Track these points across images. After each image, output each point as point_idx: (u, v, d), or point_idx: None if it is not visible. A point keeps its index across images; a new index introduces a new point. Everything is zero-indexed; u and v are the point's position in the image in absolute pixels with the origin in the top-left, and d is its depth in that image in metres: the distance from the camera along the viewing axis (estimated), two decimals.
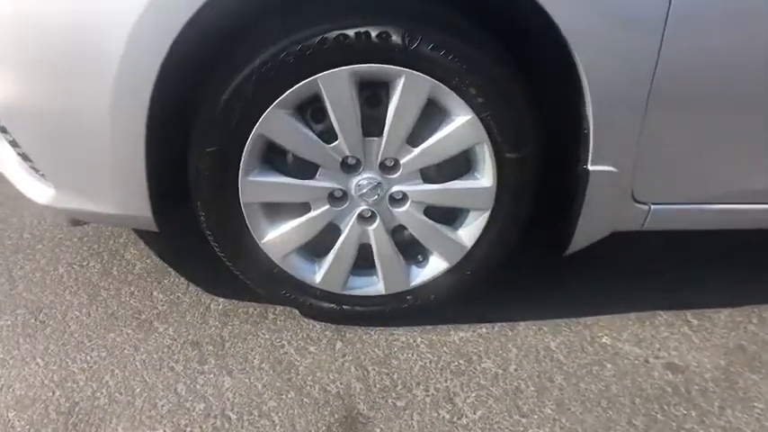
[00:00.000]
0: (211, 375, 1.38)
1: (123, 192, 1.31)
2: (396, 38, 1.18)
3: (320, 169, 1.32)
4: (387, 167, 1.34)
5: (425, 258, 1.47)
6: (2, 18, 1.22)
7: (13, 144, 1.39)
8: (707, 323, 1.59)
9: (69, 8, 1.17)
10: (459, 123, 1.27)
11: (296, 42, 1.18)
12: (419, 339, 1.50)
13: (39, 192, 1.41)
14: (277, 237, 1.39)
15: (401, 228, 1.42)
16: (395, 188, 1.35)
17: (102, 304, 1.57)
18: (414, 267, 1.48)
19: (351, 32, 1.17)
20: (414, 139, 1.30)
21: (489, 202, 1.36)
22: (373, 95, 1.27)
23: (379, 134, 1.28)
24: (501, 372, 1.42)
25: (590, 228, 1.42)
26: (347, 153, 1.30)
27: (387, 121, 1.27)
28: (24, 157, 1.39)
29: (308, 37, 1.18)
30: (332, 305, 1.49)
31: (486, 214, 1.38)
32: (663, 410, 1.34)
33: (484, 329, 1.53)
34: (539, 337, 1.52)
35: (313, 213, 1.37)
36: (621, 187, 1.36)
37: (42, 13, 1.18)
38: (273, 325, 1.53)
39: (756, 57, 1.24)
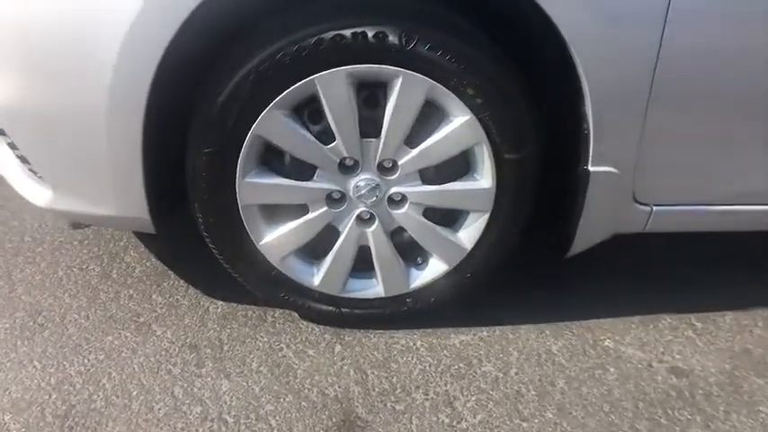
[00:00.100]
0: (209, 378, 1.37)
1: (120, 194, 1.31)
2: (393, 38, 1.17)
3: (318, 171, 1.31)
4: (385, 169, 1.33)
5: (425, 261, 1.46)
6: (1, 22, 1.22)
7: (12, 146, 1.40)
8: (711, 326, 1.57)
9: (65, 12, 1.16)
10: (458, 124, 1.26)
11: (292, 43, 1.18)
12: (419, 342, 1.48)
13: (37, 194, 1.40)
14: (275, 239, 1.38)
15: (400, 230, 1.40)
16: (393, 189, 1.34)
17: (100, 307, 1.56)
18: (413, 270, 1.46)
19: (347, 33, 1.16)
20: (412, 140, 1.29)
21: (489, 203, 1.35)
22: (371, 96, 1.27)
23: (377, 135, 1.28)
24: (501, 375, 1.40)
25: (591, 230, 1.40)
26: (345, 154, 1.29)
27: (384, 122, 1.26)
28: (23, 159, 1.39)
29: (304, 37, 1.17)
30: (331, 308, 1.48)
31: (486, 216, 1.37)
32: (667, 415, 1.32)
33: (484, 332, 1.52)
34: (540, 341, 1.50)
35: (311, 215, 1.36)
36: (622, 188, 1.34)
37: (39, 17, 1.18)
38: (272, 328, 1.52)
39: (757, 55, 1.22)
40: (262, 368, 1.40)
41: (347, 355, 1.44)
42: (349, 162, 1.31)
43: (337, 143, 1.27)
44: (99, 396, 1.32)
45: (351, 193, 1.34)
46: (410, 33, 1.17)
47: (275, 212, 1.38)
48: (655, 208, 1.39)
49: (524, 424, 1.29)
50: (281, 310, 1.56)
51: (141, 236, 1.84)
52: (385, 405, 1.32)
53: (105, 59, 1.16)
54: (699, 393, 1.38)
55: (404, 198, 1.36)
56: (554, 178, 1.40)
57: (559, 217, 1.44)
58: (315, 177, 1.32)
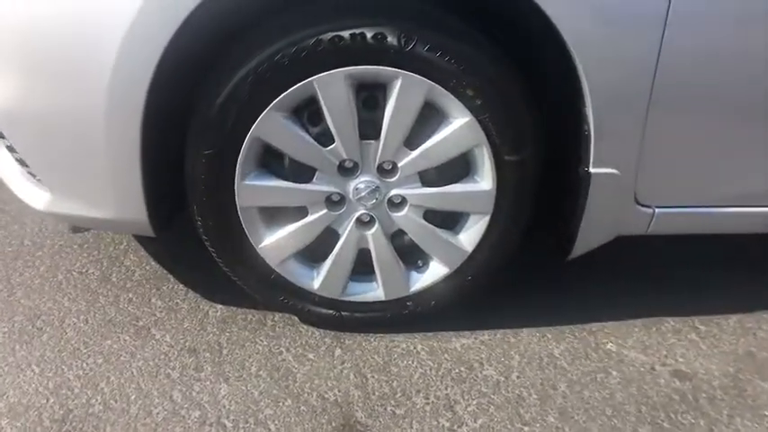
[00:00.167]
0: (208, 383, 1.36)
1: (119, 197, 1.30)
2: (391, 39, 1.17)
3: (317, 173, 1.31)
4: (385, 171, 1.32)
5: (425, 263, 1.45)
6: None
7: (11, 149, 1.39)
8: (715, 329, 1.56)
9: (63, 14, 1.16)
10: (457, 126, 1.26)
11: (291, 44, 1.17)
12: (419, 346, 1.47)
13: (36, 197, 1.40)
14: (274, 242, 1.37)
15: (400, 232, 1.40)
16: (393, 192, 1.34)
17: (100, 311, 1.56)
18: (414, 273, 1.45)
19: (346, 34, 1.16)
20: (412, 141, 1.28)
21: (489, 205, 1.34)
22: (370, 97, 1.26)
23: (377, 137, 1.27)
24: (503, 379, 1.39)
25: (593, 232, 1.39)
26: (344, 156, 1.28)
27: (384, 124, 1.25)
28: (21, 162, 1.39)
29: (302, 38, 1.17)
30: (331, 311, 1.47)
31: (487, 218, 1.36)
32: (669, 419, 1.31)
33: (486, 336, 1.51)
34: (542, 344, 1.49)
35: (310, 218, 1.35)
36: (624, 190, 1.33)
37: (37, 19, 1.18)
38: (272, 332, 1.51)
39: (758, 57, 1.21)
40: (261, 372, 1.39)
41: (347, 359, 1.43)
42: (348, 164, 1.30)
43: (336, 145, 1.26)
44: (97, 400, 1.31)
45: (350, 196, 1.33)
46: (409, 34, 1.17)
47: (274, 215, 1.37)
48: (657, 210, 1.38)
49: (526, 428, 1.27)
50: (280, 314, 1.55)
51: (141, 239, 1.83)
52: (385, 409, 1.31)
53: (103, 61, 1.15)
54: (702, 397, 1.36)
55: (404, 200, 1.35)
56: (555, 180, 1.39)
57: (560, 219, 1.43)
58: (314, 180, 1.31)
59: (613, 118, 1.23)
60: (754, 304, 1.63)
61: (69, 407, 1.29)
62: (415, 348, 1.47)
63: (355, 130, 1.25)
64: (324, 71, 1.19)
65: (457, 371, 1.41)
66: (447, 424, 1.28)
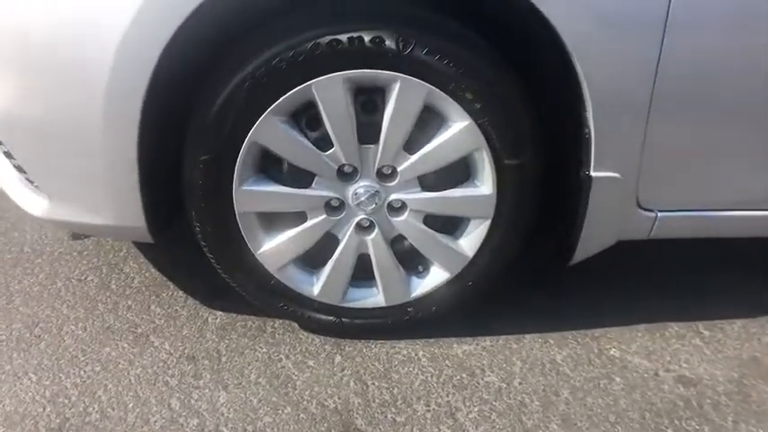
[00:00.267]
0: (206, 390, 1.34)
1: (116, 203, 1.29)
2: (389, 42, 1.16)
3: (316, 178, 1.30)
4: (384, 175, 1.31)
5: (426, 269, 1.44)
6: None
7: (8, 155, 1.39)
8: (719, 334, 1.54)
9: (60, 20, 1.16)
10: (457, 129, 1.25)
11: (289, 48, 1.16)
12: (420, 353, 1.46)
13: (34, 204, 1.39)
14: (273, 247, 1.36)
15: (400, 237, 1.38)
16: (393, 196, 1.32)
17: (98, 318, 1.55)
18: (414, 278, 1.44)
19: (343, 37, 1.15)
20: (411, 146, 1.27)
21: (490, 209, 1.33)
22: (369, 102, 1.25)
23: (376, 141, 1.26)
24: (505, 386, 1.38)
25: (594, 236, 1.37)
26: (343, 161, 1.27)
27: (383, 128, 1.24)
28: (19, 168, 1.38)
29: (300, 42, 1.16)
30: (331, 318, 1.46)
31: (488, 222, 1.35)
32: (674, 425, 1.29)
33: (487, 342, 1.49)
34: (544, 350, 1.47)
35: (310, 223, 1.34)
36: (626, 194, 1.32)
37: (33, 26, 1.17)
38: (272, 339, 1.49)
39: (758, 60, 1.20)
40: (260, 379, 1.38)
41: (347, 366, 1.42)
42: (348, 169, 1.30)
43: (335, 149, 1.26)
44: (94, 408, 1.29)
45: (350, 201, 1.32)
46: (407, 38, 1.16)
47: (273, 221, 1.36)
48: (659, 214, 1.37)
49: None
50: (280, 321, 1.54)
51: (141, 246, 1.82)
52: (385, 417, 1.30)
53: (100, 67, 1.15)
54: (707, 403, 1.34)
55: (404, 205, 1.34)
56: (556, 184, 1.38)
57: (561, 223, 1.42)
58: (313, 185, 1.30)
59: (614, 121, 1.22)
60: (758, 309, 1.61)
61: (66, 415, 1.28)
62: (416, 355, 1.45)
63: (354, 134, 1.24)
64: (322, 75, 1.18)
65: (458, 377, 1.39)
66: (448, 431, 1.26)
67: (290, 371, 1.40)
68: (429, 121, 1.26)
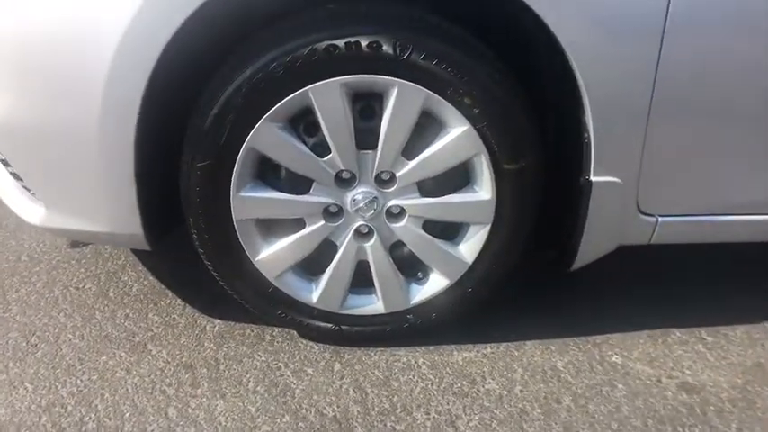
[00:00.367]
0: (204, 399, 1.33)
1: (113, 210, 1.29)
2: (387, 47, 1.15)
3: (314, 184, 1.29)
4: (383, 181, 1.30)
5: (425, 275, 1.42)
6: None
7: (5, 163, 1.38)
8: (722, 340, 1.52)
9: (56, 27, 1.15)
10: (455, 135, 1.24)
11: (285, 53, 1.16)
12: (420, 360, 1.44)
13: (31, 212, 1.39)
14: (271, 254, 1.35)
15: (400, 244, 1.37)
16: (391, 202, 1.32)
17: (96, 327, 1.54)
18: (414, 285, 1.43)
19: (341, 43, 1.15)
20: (409, 151, 1.26)
21: (489, 215, 1.32)
22: (367, 107, 1.25)
23: (374, 147, 1.25)
24: (506, 393, 1.36)
25: (595, 242, 1.36)
26: (341, 167, 1.26)
27: (381, 134, 1.23)
28: (16, 176, 1.38)
29: (297, 48, 1.15)
30: (330, 325, 1.45)
31: (487, 228, 1.34)
32: None
33: (488, 349, 1.48)
34: (545, 357, 1.46)
35: (308, 230, 1.33)
36: (626, 199, 1.31)
37: (29, 33, 1.17)
38: (270, 347, 1.48)
39: (758, 63, 1.19)
40: (258, 388, 1.36)
41: (347, 374, 1.41)
42: (346, 175, 1.29)
43: (333, 155, 1.25)
44: (90, 418, 1.28)
45: (348, 207, 1.31)
46: (404, 43, 1.15)
47: (271, 227, 1.35)
48: (660, 219, 1.36)
49: None
50: (279, 329, 1.53)
51: (140, 254, 1.81)
52: (385, 425, 1.28)
53: (96, 74, 1.14)
54: (710, 410, 1.33)
55: (402, 211, 1.33)
56: (555, 189, 1.37)
57: (561, 229, 1.41)
58: (311, 191, 1.30)
59: (614, 125, 1.22)
60: (761, 314, 1.60)
61: (62, 425, 1.26)
62: (416, 362, 1.44)
63: (352, 140, 1.23)
64: (319, 81, 1.17)
65: (459, 385, 1.38)
66: None
67: (288, 379, 1.39)
68: (427, 126, 1.26)
